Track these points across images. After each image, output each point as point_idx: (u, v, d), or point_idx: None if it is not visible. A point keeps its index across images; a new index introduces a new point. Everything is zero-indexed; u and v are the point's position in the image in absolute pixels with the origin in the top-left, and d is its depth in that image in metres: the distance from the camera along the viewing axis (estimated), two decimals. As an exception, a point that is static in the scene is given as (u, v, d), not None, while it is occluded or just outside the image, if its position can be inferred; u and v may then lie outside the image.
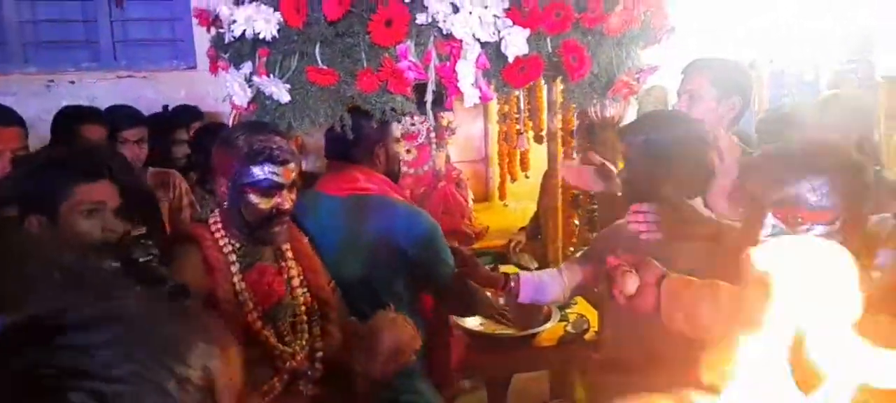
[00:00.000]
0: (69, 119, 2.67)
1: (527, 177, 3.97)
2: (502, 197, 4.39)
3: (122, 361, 0.50)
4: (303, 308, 1.69)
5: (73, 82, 4.00)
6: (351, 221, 1.93)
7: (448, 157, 3.53)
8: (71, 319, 0.51)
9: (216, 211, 1.66)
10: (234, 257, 1.60)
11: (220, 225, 1.62)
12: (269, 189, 1.55)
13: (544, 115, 3.11)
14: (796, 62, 4.07)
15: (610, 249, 1.83)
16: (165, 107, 3.60)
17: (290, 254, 1.72)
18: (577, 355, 2.41)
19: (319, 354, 1.68)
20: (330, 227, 1.95)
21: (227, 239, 1.60)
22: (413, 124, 3.13)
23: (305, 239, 1.80)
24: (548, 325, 2.34)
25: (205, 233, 1.60)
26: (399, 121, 2.10)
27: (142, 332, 0.54)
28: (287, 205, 1.59)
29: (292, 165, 1.59)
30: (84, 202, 1.49)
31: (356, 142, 1.92)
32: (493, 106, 3.95)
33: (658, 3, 1.78)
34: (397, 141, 2.11)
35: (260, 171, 1.54)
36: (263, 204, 1.56)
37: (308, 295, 1.71)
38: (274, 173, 1.55)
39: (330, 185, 2.01)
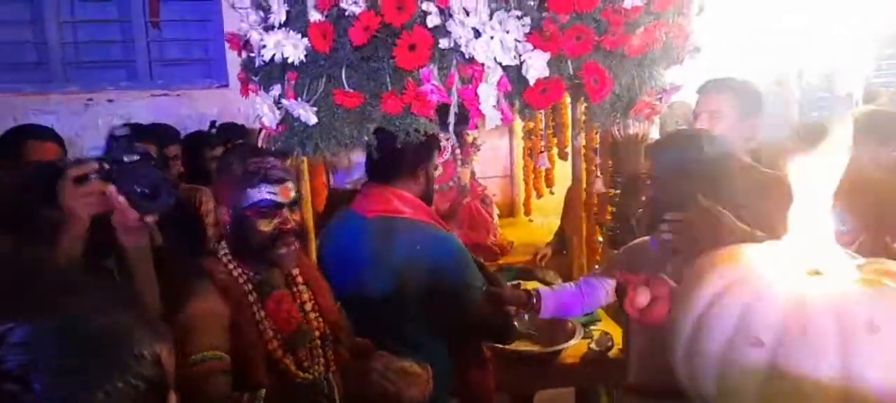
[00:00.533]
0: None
1: (552, 193, 3.99)
2: (527, 212, 4.41)
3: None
4: (316, 333, 1.68)
5: (111, 101, 4.14)
6: (376, 242, 1.93)
7: (473, 173, 3.57)
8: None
9: (222, 242, 1.65)
10: (249, 286, 1.59)
11: (230, 256, 1.61)
12: (269, 209, 1.55)
13: (569, 133, 3.13)
14: (827, 77, 4.02)
15: (630, 265, 1.84)
16: (213, 123, 3.66)
17: (300, 279, 1.71)
18: (601, 372, 2.41)
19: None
20: (353, 246, 1.97)
21: (240, 269, 1.60)
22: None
23: (312, 262, 1.79)
24: (572, 342, 2.35)
25: (216, 266, 1.59)
26: (439, 148, 2.11)
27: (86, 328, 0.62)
28: (290, 225, 1.58)
29: (289, 184, 1.59)
30: None
31: (398, 163, 1.94)
32: (519, 123, 3.98)
33: (679, 25, 1.79)
34: (435, 164, 2.10)
35: (257, 193, 1.54)
36: (265, 225, 1.55)
37: (321, 319, 1.70)
38: (272, 193, 1.55)
39: (361, 204, 2.02)
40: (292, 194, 1.61)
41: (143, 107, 4.09)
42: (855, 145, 2.21)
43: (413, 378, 1.62)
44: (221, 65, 4.17)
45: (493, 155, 4.61)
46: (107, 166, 1.43)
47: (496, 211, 3.71)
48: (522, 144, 4.20)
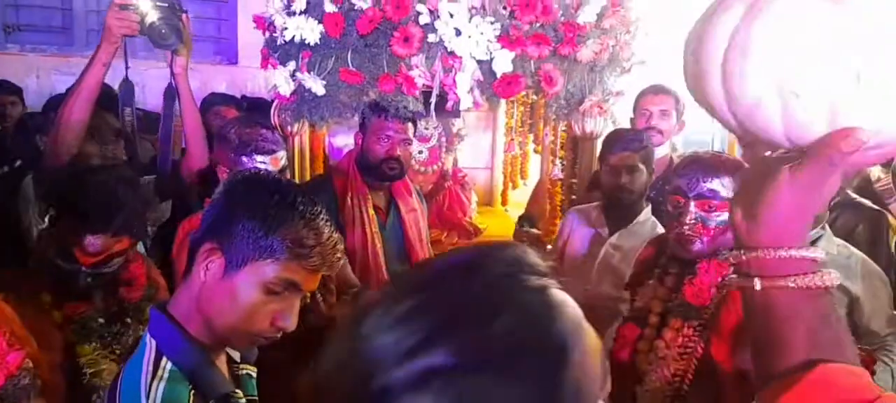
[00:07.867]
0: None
1: (524, 184, 4.38)
2: (504, 203, 4.79)
3: None
4: None
5: (128, 67, 4.47)
6: None
7: (456, 161, 3.95)
8: None
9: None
10: None
11: None
12: None
13: (542, 128, 3.51)
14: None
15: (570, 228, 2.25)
16: (243, 96, 3.83)
17: None
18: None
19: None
20: None
21: None
22: (426, 128, 3.57)
23: None
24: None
25: None
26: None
27: None
28: None
29: (280, 154, 1.77)
30: None
31: None
32: (502, 119, 4.37)
33: (625, 41, 2.19)
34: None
35: (248, 161, 1.71)
36: None
37: None
38: (261, 162, 1.72)
39: None
40: (282, 162, 1.81)
41: (157, 76, 4.42)
42: None
43: None
44: (233, 44, 4.53)
45: (477, 147, 4.99)
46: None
47: (474, 197, 4.09)
48: (504, 139, 4.57)
